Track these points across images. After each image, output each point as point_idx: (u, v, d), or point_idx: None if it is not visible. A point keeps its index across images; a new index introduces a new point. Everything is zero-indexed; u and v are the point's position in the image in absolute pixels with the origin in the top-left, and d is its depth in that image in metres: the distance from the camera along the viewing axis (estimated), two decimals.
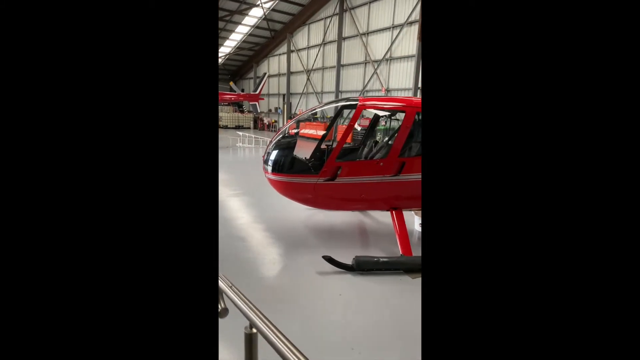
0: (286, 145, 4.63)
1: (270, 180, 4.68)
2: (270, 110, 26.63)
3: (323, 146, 4.76)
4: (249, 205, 6.63)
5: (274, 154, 4.59)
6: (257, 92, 20.07)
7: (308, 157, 4.59)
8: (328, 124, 18.84)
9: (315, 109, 5.50)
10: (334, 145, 4.89)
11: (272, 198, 6.71)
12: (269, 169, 4.57)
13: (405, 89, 14.76)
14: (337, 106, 4.80)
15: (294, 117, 21.91)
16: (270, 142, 4.82)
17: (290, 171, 4.47)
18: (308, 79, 21.24)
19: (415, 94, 13.95)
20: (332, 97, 19.27)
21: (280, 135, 4.81)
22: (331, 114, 18.37)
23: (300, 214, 6.03)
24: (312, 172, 4.32)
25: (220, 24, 21.62)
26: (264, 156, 4.74)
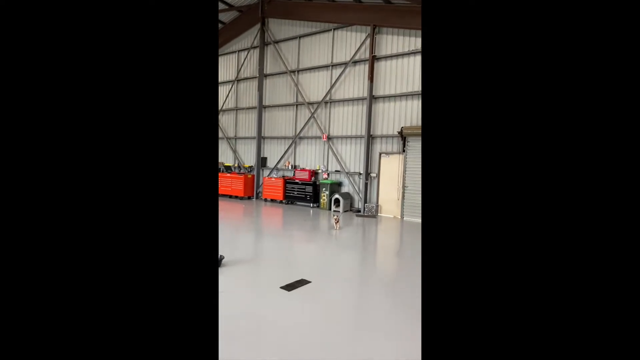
0: None
1: None
2: None
3: None
4: None
5: None
6: None
7: None
8: (249, 174, 14.79)
9: None
10: None
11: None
12: None
13: (354, 136, 12.42)
14: None
15: None
16: None
17: None
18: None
19: (367, 143, 11.69)
20: (251, 143, 15.55)
21: None
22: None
23: None
24: None
25: None
26: None
